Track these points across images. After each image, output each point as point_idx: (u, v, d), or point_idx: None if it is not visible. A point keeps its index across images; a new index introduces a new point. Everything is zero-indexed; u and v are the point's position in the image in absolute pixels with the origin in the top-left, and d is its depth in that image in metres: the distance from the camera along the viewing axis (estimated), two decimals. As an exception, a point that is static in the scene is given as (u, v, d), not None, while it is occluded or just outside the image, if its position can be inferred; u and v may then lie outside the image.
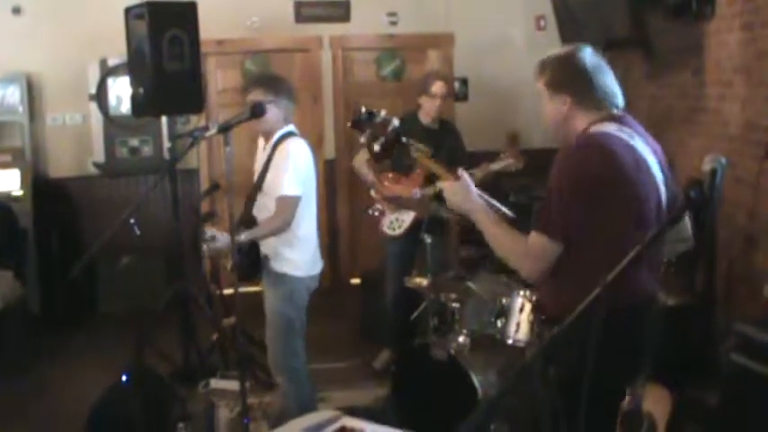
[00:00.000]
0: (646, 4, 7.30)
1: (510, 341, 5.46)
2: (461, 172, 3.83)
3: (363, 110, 3.93)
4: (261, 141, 5.55)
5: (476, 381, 5.27)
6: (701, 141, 7.23)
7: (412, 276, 6.34)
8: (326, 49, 9.68)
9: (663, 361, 4.76)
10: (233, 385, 5.12)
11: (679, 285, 5.18)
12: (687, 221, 3.82)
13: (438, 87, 6.95)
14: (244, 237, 5.18)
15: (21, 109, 8.96)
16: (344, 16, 9.63)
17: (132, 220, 5.65)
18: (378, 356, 7.26)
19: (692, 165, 7.30)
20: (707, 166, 2.87)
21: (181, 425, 5.40)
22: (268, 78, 5.60)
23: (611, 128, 3.59)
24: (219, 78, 9.44)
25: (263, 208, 5.34)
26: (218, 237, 5.12)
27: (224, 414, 5.35)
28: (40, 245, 8.81)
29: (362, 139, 3.87)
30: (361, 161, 7.07)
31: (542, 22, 9.77)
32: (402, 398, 5.83)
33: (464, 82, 9.81)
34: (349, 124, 3.98)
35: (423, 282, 6.07)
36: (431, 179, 6.86)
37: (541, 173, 8.42)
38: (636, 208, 3.55)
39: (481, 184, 6.50)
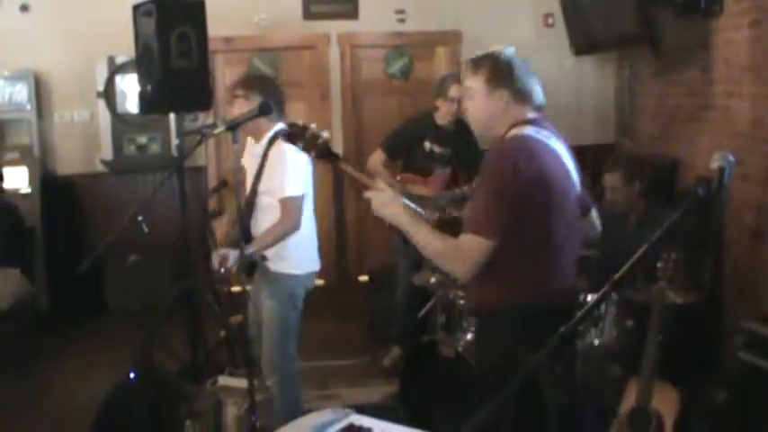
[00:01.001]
0: (654, 1, 7.29)
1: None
2: (383, 186, 3.90)
3: (300, 123, 4.01)
4: (249, 140, 5.51)
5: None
6: (708, 139, 7.22)
7: (420, 274, 6.34)
8: (334, 47, 9.68)
9: (670, 359, 4.77)
10: (241, 383, 5.11)
11: (686, 283, 5.16)
12: (594, 215, 4.31)
13: (455, 91, 6.92)
14: (254, 248, 5.19)
15: (29, 106, 8.97)
16: (353, 13, 9.63)
17: (140, 218, 5.64)
18: (387, 354, 7.26)
19: (699, 162, 7.30)
20: (715, 163, 2.87)
21: (188, 422, 5.40)
22: (249, 77, 5.59)
23: (530, 131, 3.75)
24: (228, 76, 9.43)
25: (267, 209, 5.31)
26: (230, 254, 5.11)
27: (232, 411, 5.34)
28: (47, 242, 8.82)
29: (235, 146, 3.97)
30: (376, 162, 7.07)
31: (550, 20, 9.77)
32: (410, 395, 5.82)
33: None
34: (283, 138, 4.06)
35: (431, 279, 6.07)
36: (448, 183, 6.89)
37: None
38: (559, 205, 3.74)
39: None
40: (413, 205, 3.95)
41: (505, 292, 3.75)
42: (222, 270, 5.17)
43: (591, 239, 4.30)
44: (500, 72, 3.82)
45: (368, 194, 3.87)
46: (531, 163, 3.61)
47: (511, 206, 3.59)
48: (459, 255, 3.66)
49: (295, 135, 3.93)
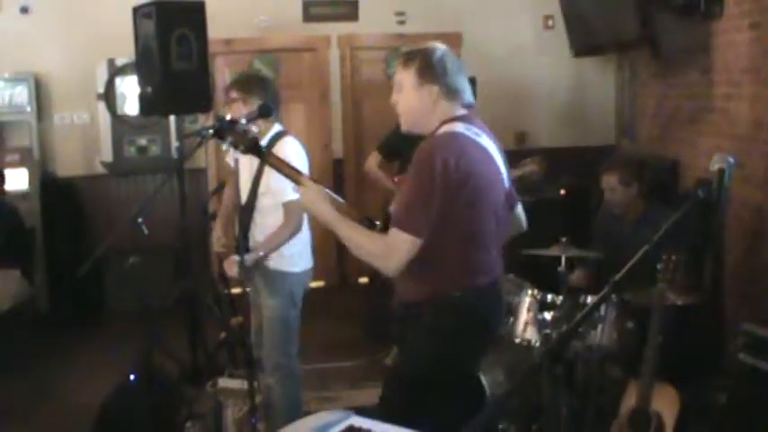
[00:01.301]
0: (654, 3, 7.29)
1: (517, 340, 5.46)
2: (310, 182, 3.90)
3: (228, 117, 4.01)
4: None
5: (483, 379, 5.27)
6: (709, 141, 7.22)
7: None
8: (335, 49, 9.68)
9: (671, 360, 4.77)
10: (241, 384, 5.11)
11: (686, 285, 5.16)
12: (520, 210, 4.29)
13: None
14: (262, 252, 5.21)
15: (29, 108, 8.97)
16: (353, 15, 9.64)
17: (140, 220, 5.64)
18: (388, 354, 7.25)
19: (699, 164, 7.30)
20: (715, 165, 2.87)
21: (188, 424, 5.40)
22: (244, 78, 5.57)
23: (460, 127, 3.79)
24: (228, 78, 9.42)
25: (268, 210, 5.31)
26: (246, 259, 5.13)
27: (232, 413, 5.34)
28: (47, 244, 8.82)
29: (224, 147, 3.95)
30: (372, 164, 7.07)
31: (550, 22, 9.77)
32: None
33: (472, 81, 9.73)
34: (211, 131, 4.04)
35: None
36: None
37: (550, 172, 8.43)
38: (488, 202, 3.80)
39: None
40: (340, 200, 3.95)
41: (433, 286, 3.81)
42: (238, 274, 5.20)
43: (516, 234, 4.30)
44: (431, 68, 3.85)
45: (296, 190, 3.89)
46: (460, 160, 3.65)
47: (439, 203, 3.63)
48: (386, 251, 3.69)
49: (224, 130, 3.92)
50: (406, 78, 3.88)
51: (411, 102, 3.89)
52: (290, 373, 5.39)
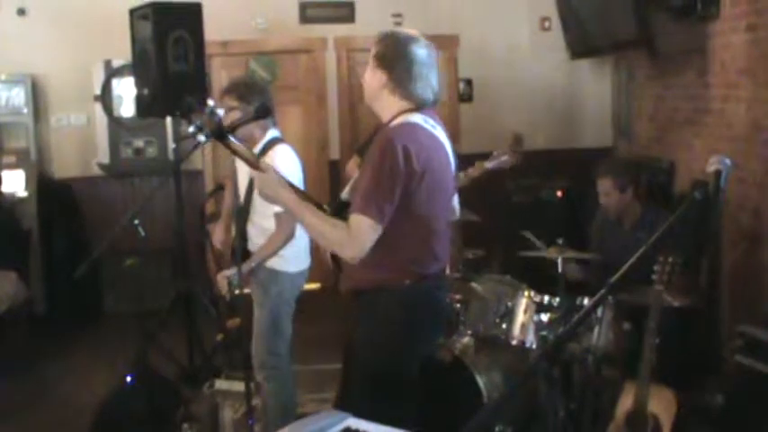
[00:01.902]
0: (650, 4, 7.29)
1: (514, 342, 5.46)
2: (266, 164, 3.92)
3: (191, 99, 3.98)
4: None
5: (480, 382, 5.27)
6: (705, 142, 7.22)
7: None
8: (331, 50, 9.68)
9: (668, 362, 4.77)
10: (238, 386, 5.12)
11: (684, 286, 5.17)
12: (456, 200, 4.44)
13: None
14: (253, 264, 5.21)
15: (25, 110, 8.98)
16: (349, 17, 9.64)
17: (137, 221, 5.64)
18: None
19: (696, 166, 7.30)
20: (711, 167, 2.87)
21: (185, 425, 5.40)
22: (238, 84, 5.55)
23: (418, 118, 3.83)
24: (224, 79, 9.40)
25: (263, 215, 5.31)
26: (234, 275, 5.13)
27: (229, 415, 5.34)
28: (44, 245, 8.82)
29: (190, 129, 3.92)
30: (352, 166, 7.07)
31: (547, 24, 9.77)
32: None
33: (468, 83, 9.81)
34: (178, 113, 4.02)
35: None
36: None
37: (545, 173, 8.44)
38: (442, 192, 3.91)
39: (477, 183, 6.62)
40: (299, 188, 3.99)
41: (386, 273, 3.85)
42: (228, 291, 5.22)
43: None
44: (390, 55, 3.88)
45: (253, 174, 3.92)
46: (420, 150, 3.71)
47: (400, 190, 3.69)
48: (348, 236, 3.71)
49: (191, 111, 3.91)
50: (369, 56, 3.97)
51: (367, 78, 3.98)
52: (277, 371, 5.39)
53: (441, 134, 3.92)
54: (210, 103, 3.94)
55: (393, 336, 3.93)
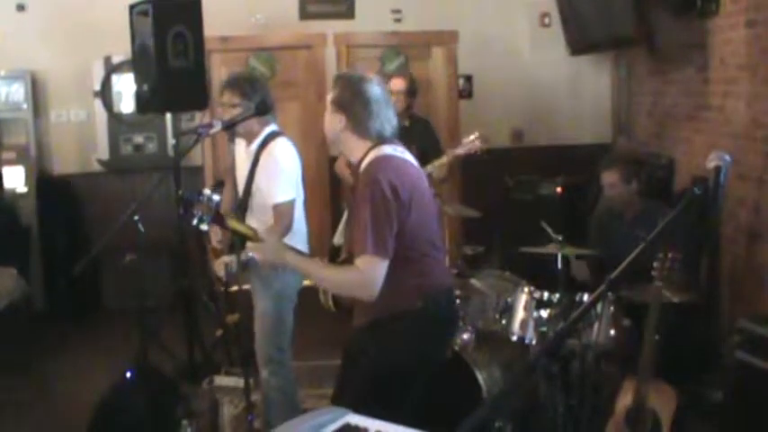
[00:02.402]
0: (650, 0, 7.29)
1: (514, 337, 5.46)
2: (265, 235, 4.12)
3: (188, 195, 4.13)
4: (241, 142, 5.48)
5: (480, 377, 5.27)
6: (705, 138, 7.22)
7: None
8: (331, 46, 9.66)
9: (668, 358, 4.77)
10: (237, 382, 5.12)
11: (683, 282, 5.17)
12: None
13: (395, 84, 7.01)
14: (251, 253, 5.21)
15: (25, 106, 8.96)
16: (349, 13, 9.63)
17: (136, 217, 5.65)
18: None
19: (696, 162, 7.30)
20: (711, 163, 2.87)
21: (185, 422, 5.40)
22: (239, 80, 5.53)
23: (388, 150, 3.99)
24: (224, 75, 9.37)
25: (260, 209, 5.30)
26: (233, 261, 5.13)
27: (228, 411, 5.35)
28: (44, 242, 8.82)
29: (194, 222, 4.07)
30: (341, 165, 7.08)
31: (547, 20, 9.76)
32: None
33: (468, 79, 9.80)
34: (180, 211, 4.18)
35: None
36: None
37: (545, 170, 8.44)
38: (429, 209, 4.08)
39: (450, 169, 6.65)
40: (300, 250, 4.21)
41: (401, 298, 3.95)
42: (225, 275, 5.22)
43: None
44: (346, 98, 4.00)
45: (249, 246, 4.08)
46: (404, 179, 3.89)
47: (396, 221, 3.83)
48: (362, 279, 3.85)
49: (192, 203, 4.03)
50: (328, 101, 4.08)
51: (327, 123, 4.10)
52: (282, 366, 5.39)
53: (410, 158, 4.10)
54: (206, 191, 4.03)
55: (408, 348, 4.04)
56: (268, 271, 5.33)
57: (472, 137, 6.75)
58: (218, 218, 4.03)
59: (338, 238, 4.25)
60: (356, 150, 4.03)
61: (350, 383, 4.23)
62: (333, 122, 4.03)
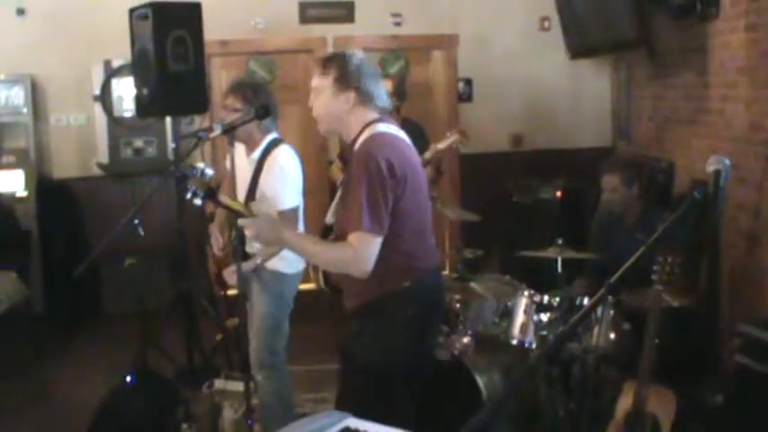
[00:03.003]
0: (650, 4, 7.30)
1: (514, 341, 5.46)
2: (257, 209, 4.04)
3: (182, 169, 4.10)
4: (240, 148, 5.47)
5: (480, 381, 5.27)
6: (704, 142, 7.22)
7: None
8: (331, 50, 9.66)
9: (668, 362, 4.77)
10: (237, 386, 5.12)
11: (683, 287, 5.17)
12: None
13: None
14: (259, 261, 5.22)
15: (25, 110, 8.96)
16: (349, 17, 9.63)
17: (136, 221, 5.64)
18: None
19: (695, 166, 7.30)
20: (711, 167, 2.87)
21: (185, 426, 5.40)
22: (242, 85, 5.54)
23: (383, 127, 4.01)
24: (224, 79, 9.39)
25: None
26: (244, 267, 5.14)
27: (228, 415, 5.35)
28: (43, 245, 8.81)
29: (188, 195, 4.05)
30: (335, 171, 7.09)
31: (546, 24, 9.76)
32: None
33: (468, 83, 9.81)
34: (174, 183, 4.12)
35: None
36: None
37: (545, 174, 8.44)
38: (423, 190, 4.07)
39: (433, 165, 6.67)
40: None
41: (391, 277, 3.94)
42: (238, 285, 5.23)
43: None
44: (348, 74, 4.02)
45: (242, 222, 3.97)
46: (399, 157, 3.88)
47: (391, 198, 3.83)
48: (355, 256, 3.84)
49: (186, 178, 4.03)
50: (324, 84, 4.08)
51: (329, 107, 4.09)
52: (276, 370, 5.41)
53: (403, 135, 4.12)
54: (200, 165, 4.04)
55: (402, 337, 4.03)
56: (268, 275, 5.34)
57: (452, 134, 6.77)
58: (210, 192, 4.00)
59: (330, 218, 4.20)
60: (354, 126, 4.04)
61: (351, 384, 4.24)
62: (337, 103, 4.03)
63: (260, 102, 5.19)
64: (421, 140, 7.20)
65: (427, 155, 6.73)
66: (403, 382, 4.03)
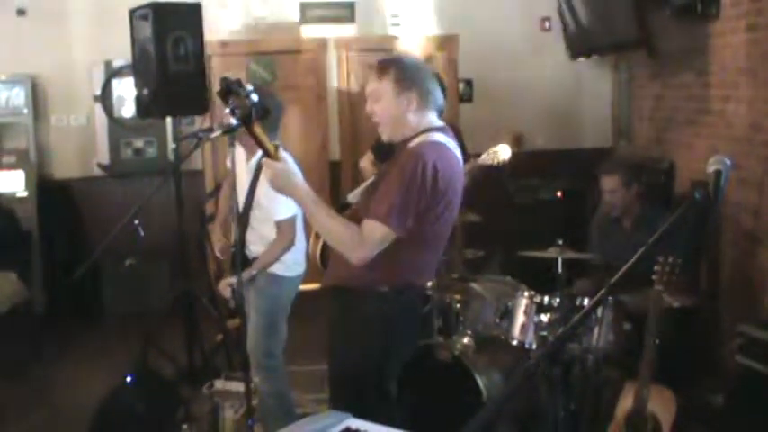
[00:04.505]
0: (650, 4, 7.29)
1: (514, 342, 5.46)
2: (284, 156, 3.91)
3: (232, 78, 3.94)
4: (240, 151, 5.46)
5: (480, 381, 5.27)
6: (705, 142, 7.22)
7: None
8: (331, 51, 9.67)
9: (668, 362, 4.77)
10: (237, 386, 5.12)
11: (683, 287, 5.17)
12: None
13: None
14: (254, 271, 5.22)
15: (25, 110, 8.97)
16: (349, 17, 9.63)
17: (136, 222, 5.64)
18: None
19: (696, 166, 7.30)
20: (711, 167, 2.86)
21: (185, 426, 5.41)
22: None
23: (441, 138, 3.96)
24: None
25: (261, 222, 5.32)
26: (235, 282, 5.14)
27: (228, 415, 5.34)
28: (44, 246, 8.82)
29: (226, 110, 3.89)
30: (366, 162, 7.05)
31: (547, 24, 9.76)
32: (407, 399, 5.82)
33: (468, 83, 9.80)
34: (217, 92, 3.96)
35: (428, 282, 6.06)
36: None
37: (546, 174, 8.44)
38: (453, 209, 3.99)
39: (470, 179, 6.58)
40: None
41: (375, 276, 3.92)
42: (231, 297, 5.22)
43: None
44: (408, 75, 3.97)
45: (265, 162, 3.86)
46: (446, 170, 3.83)
47: (423, 204, 3.78)
48: (360, 239, 3.79)
49: (230, 92, 3.86)
50: (383, 88, 3.99)
51: (390, 110, 3.99)
52: (274, 372, 5.42)
53: (458, 153, 4.04)
54: (249, 87, 3.92)
55: (368, 340, 4.03)
56: (265, 278, 5.34)
57: (496, 149, 6.64)
58: (247, 118, 3.87)
59: (352, 197, 4.17)
60: (414, 128, 3.99)
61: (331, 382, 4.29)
62: (399, 106, 3.95)
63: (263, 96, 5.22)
64: (461, 146, 7.16)
65: (466, 168, 6.67)
66: (365, 387, 4.04)
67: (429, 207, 3.80)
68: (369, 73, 4.11)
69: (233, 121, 3.90)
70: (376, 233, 3.76)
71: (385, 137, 4.07)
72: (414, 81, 3.95)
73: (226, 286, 5.25)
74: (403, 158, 3.87)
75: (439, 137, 3.94)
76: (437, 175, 3.76)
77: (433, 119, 4.02)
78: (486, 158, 6.51)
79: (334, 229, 3.86)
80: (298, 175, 3.91)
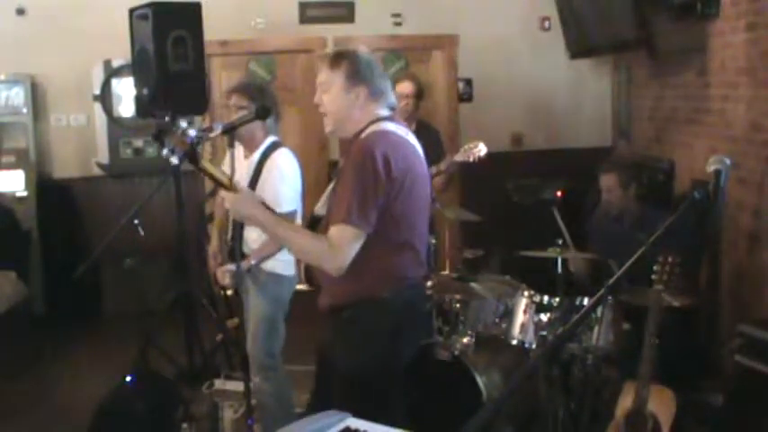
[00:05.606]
0: (650, 4, 7.29)
1: (514, 342, 5.46)
2: (240, 185, 3.96)
3: (162, 121, 3.94)
4: (239, 147, 5.46)
5: (480, 381, 5.27)
6: (705, 142, 7.22)
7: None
8: (331, 50, 9.65)
9: (668, 362, 4.77)
10: (237, 386, 5.12)
11: (683, 286, 5.17)
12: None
13: (403, 87, 6.89)
14: (254, 261, 5.21)
15: (25, 110, 8.96)
16: (349, 17, 9.62)
17: (136, 221, 5.64)
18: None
19: (696, 165, 7.30)
20: (711, 167, 2.87)
21: (185, 426, 5.40)
22: (249, 85, 5.54)
23: (390, 126, 3.89)
24: (224, 79, 9.40)
25: None
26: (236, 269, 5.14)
27: (228, 415, 5.34)
28: (44, 246, 8.82)
29: (164, 152, 3.91)
30: None
31: (547, 23, 9.76)
32: (406, 398, 5.81)
33: (468, 83, 9.80)
34: (150, 137, 3.96)
35: (427, 283, 6.06)
36: None
37: (545, 174, 8.43)
38: (422, 196, 3.91)
39: (446, 175, 6.57)
40: (272, 209, 4.00)
41: (369, 283, 3.84)
42: (230, 283, 5.22)
43: None
44: (360, 69, 3.92)
45: (223, 194, 3.88)
46: (399, 157, 3.75)
47: (382, 198, 3.70)
48: (331, 249, 3.71)
49: (165, 132, 3.86)
50: (334, 80, 3.94)
51: (338, 102, 3.94)
52: (274, 371, 5.42)
53: (413, 139, 3.99)
54: (183, 124, 3.92)
55: (376, 349, 3.93)
56: (265, 277, 5.34)
57: (472, 145, 6.69)
58: (191, 154, 3.86)
59: (320, 209, 4.14)
60: (359, 123, 3.92)
61: (326, 390, 4.22)
62: (348, 99, 3.91)
63: (261, 94, 5.24)
64: (436, 146, 7.13)
65: (442, 166, 6.68)
66: (376, 390, 3.95)
67: (391, 199, 3.72)
68: (322, 62, 4.05)
69: (174, 160, 3.92)
70: (343, 236, 3.69)
71: (328, 129, 4.03)
72: (364, 77, 3.90)
73: (223, 272, 5.25)
74: (353, 154, 3.83)
75: (388, 125, 3.89)
76: (389, 164, 3.68)
77: (379, 111, 3.94)
78: (461, 155, 6.56)
79: (304, 243, 3.84)
80: (256, 201, 3.90)
